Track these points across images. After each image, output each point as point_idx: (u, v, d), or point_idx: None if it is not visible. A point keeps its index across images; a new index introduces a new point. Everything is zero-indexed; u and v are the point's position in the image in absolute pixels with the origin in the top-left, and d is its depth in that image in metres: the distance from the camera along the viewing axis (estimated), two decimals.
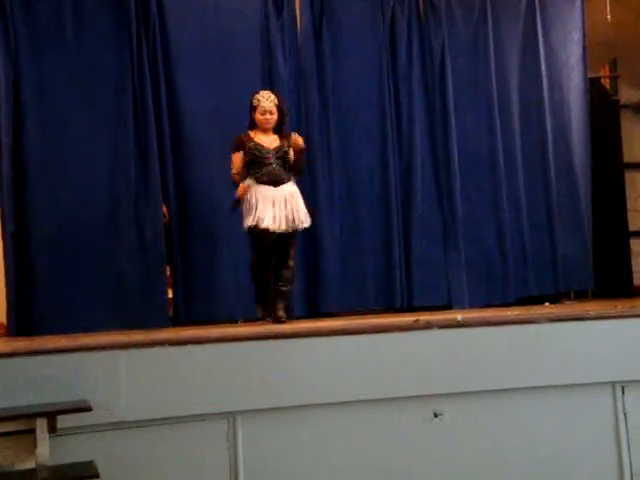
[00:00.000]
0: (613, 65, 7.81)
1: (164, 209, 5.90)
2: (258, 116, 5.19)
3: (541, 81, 6.95)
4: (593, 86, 7.31)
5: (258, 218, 5.03)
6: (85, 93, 5.75)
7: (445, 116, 6.63)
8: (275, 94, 5.29)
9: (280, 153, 5.18)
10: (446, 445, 3.98)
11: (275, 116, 5.20)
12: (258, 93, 5.26)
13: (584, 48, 7.04)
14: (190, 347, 3.76)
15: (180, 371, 3.67)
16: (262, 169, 5.11)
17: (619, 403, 4.14)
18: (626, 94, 7.55)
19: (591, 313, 4.28)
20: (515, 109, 6.91)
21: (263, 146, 5.16)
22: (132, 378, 3.58)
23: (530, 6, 6.99)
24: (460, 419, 3.99)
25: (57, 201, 5.66)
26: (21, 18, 5.69)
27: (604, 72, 7.93)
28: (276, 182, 5.12)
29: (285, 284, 5.26)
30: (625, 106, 7.55)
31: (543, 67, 6.96)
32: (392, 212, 6.43)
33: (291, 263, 5.26)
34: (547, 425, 4.07)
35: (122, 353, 3.62)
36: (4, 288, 5.60)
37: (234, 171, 5.21)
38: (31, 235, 5.61)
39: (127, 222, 5.77)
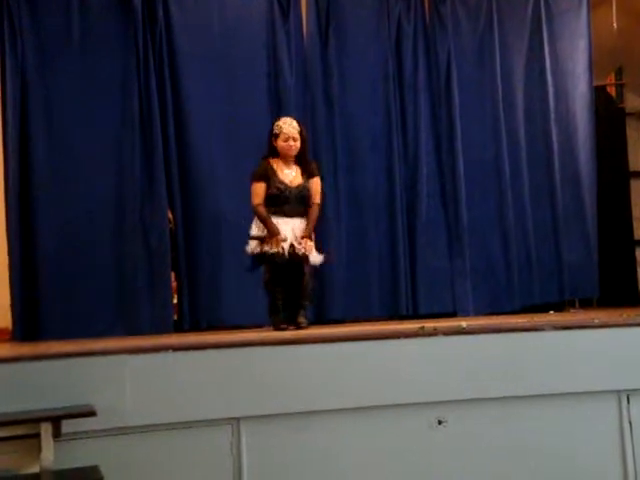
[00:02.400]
0: (619, 73, 7.79)
1: (169, 215, 5.92)
2: (281, 143, 5.01)
3: (547, 89, 6.94)
4: (599, 94, 7.31)
5: (266, 248, 4.90)
6: (92, 101, 5.79)
7: (451, 124, 6.63)
8: (296, 121, 5.13)
9: (300, 192, 5.03)
10: (450, 452, 3.97)
11: (298, 143, 5.03)
12: (279, 120, 5.12)
13: (590, 56, 7.04)
14: (194, 353, 3.77)
15: (184, 377, 3.68)
16: (282, 206, 4.98)
17: (624, 412, 4.12)
18: (632, 102, 7.53)
19: (596, 321, 4.27)
20: (521, 117, 6.91)
21: (286, 184, 5.00)
22: (137, 383, 3.58)
23: (536, 15, 6.99)
24: (464, 426, 3.99)
25: (63, 207, 5.69)
26: (29, 28, 5.75)
27: (610, 80, 7.92)
28: (289, 217, 5.01)
29: (303, 299, 5.11)
30: (631, 114, 7.52)
31: (549, 75, 6.96)
32: (397, 219, 6.43)
33: (306, 279, 5.06)
34: (551, 433, 4.05)
35: (127, 358, 3.62)
36: (9, 293, 5.61)
37: (258, 201, 4.98)
38: (37, 240, 5.63)
39: (132, 228, 5.79)
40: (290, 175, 5.05)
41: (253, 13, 6.28)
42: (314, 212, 5.12)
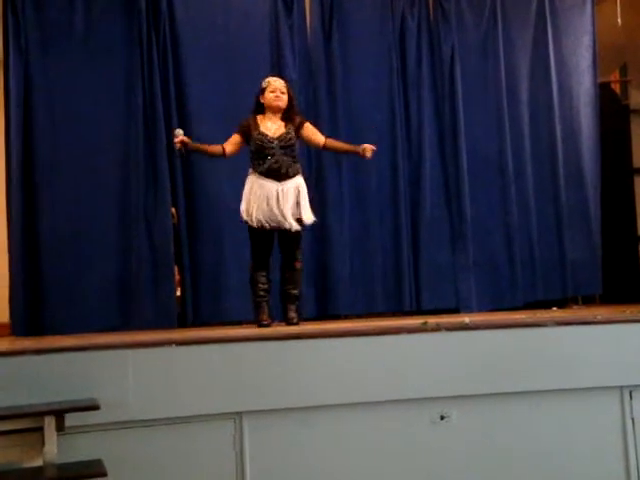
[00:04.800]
0: (623, 70, 7.78)
1: (172, 210, 5.92)
2: (268, 94, 4.93)
3: (551, 86, 6.93)
4: (603, 91, 7.29)
5: (249, 213, 4.82)
6: (95, 94, 5.78)
7: (454, 119, 6.62)
8: (285, 80, 5.15)
9: (285, 141, 4.88)
10: (453, 447, 3.98)
11: (286, 97, 4.96)
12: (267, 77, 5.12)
13: (594, 53, 7.03)
14: (197, 347, 3.78)
15: (187, 371, 3.69)
16: (265, 160, 4.83)
17: (627, 408, 4.13)
18: (636, 99, 7.52)
19: (599, 317, 4.28)
20: (525, 113, 6.90)
21: (267, 135, 4.87)
22: (139, 377, 3.59)
23: (540, 11, 6.98)
24: (467, 421, 3.99)
25: (65, 201, 5.69)
26: (32, 18, 5.74)
27: (614, 77, 7.91)
28: (279, 176, 4.83)
29: (293, 287, 5.00)
30: (635, 111, 7.51)
31: (553, 72, 6.94)
32: (401, 215, 6.42)
33: (297, 265, 5.00)
34: (554, 429, 4.06)
35: (130, 352, 3.63)
36: (9, 288, 5.61)
37: (225, 144, 4.97)
38: (40, 235, 5.63)
39: (135, 222, 5.79)
40: (273, 127, 4.95)
41: (257, 7, 6.27)
42: (333, 141, 5.19)
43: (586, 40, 7.03)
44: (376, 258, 6.39)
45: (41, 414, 3.28)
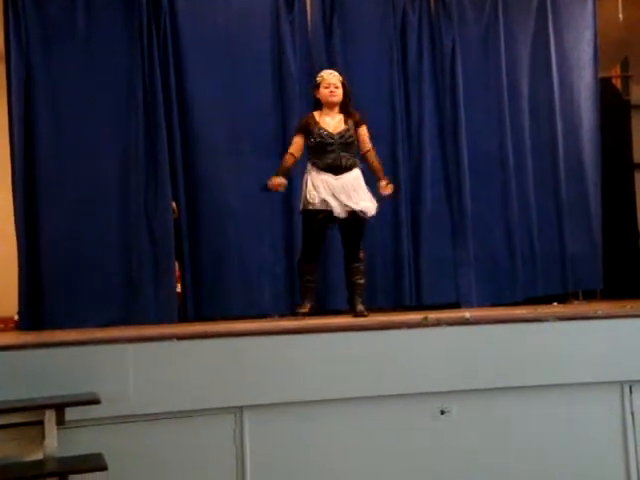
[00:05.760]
0: (624, 65, 7.77)
1: (173, 204, 5.92)
2: (322, 90, 4.99)
3: (552, 80, 6.92)
4: (604, 86, 7.28)
5: (312, 202, 4.88)
6: (95, 89, 5.78)
7: (455, 114, 6.61)
8: (339, 73, 5.15)
9: (345, 138, 4.96)
10: (453, 442, 3.98)
11: (340, 90, 5.01)
12: (321, 71, 5.16)
13: (595, 48, 7.01)
14: (198, 341, 3.78)
15: (188, 365, 3.69)
16: (325, 156, 4.91)
17: (627, 402, 4.13)
18: (637, 94, 7.51)
19: (600, 312, 4.28)
20: (525, 108, 6.89)
21: (327, 131, 4.95)
22: (140, 372, 3.60)
23: (542, 5, 6.96)
24: (467, 416, 4.00)
25: (67, 197, 5.70)
26: (33, 15, 5.74)
27: (615, 72, 7.90)
28: (338, 170, 4.91)
29: (359, 277, 5.08)
30: (636, 106, 7.51)
31: (554, 66, 6.93)
32: (401, 210, 6.41)
33: (361, 255, 5.10)
34: (554, 423, 4.07)
35: (130, 347, 3.64)
36: (16, 283, 5.62)
37: (290, 151, 5.02)
38: (42, 231, 5.64)
39: (136, 217, 5.80)
40: (332, 122, 5.01)
41: (258, 3, 6.27)
42: (373, 156, 5.10)
43: (587, 35, 7.02)
44: (377, 253, 6.37)
45: (41, 408, 3.29)
